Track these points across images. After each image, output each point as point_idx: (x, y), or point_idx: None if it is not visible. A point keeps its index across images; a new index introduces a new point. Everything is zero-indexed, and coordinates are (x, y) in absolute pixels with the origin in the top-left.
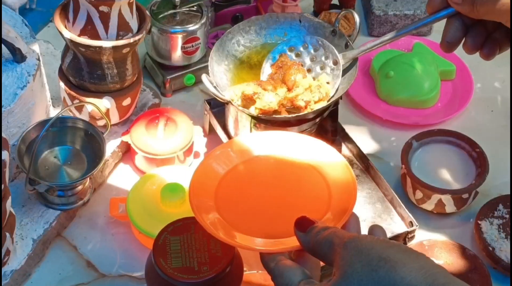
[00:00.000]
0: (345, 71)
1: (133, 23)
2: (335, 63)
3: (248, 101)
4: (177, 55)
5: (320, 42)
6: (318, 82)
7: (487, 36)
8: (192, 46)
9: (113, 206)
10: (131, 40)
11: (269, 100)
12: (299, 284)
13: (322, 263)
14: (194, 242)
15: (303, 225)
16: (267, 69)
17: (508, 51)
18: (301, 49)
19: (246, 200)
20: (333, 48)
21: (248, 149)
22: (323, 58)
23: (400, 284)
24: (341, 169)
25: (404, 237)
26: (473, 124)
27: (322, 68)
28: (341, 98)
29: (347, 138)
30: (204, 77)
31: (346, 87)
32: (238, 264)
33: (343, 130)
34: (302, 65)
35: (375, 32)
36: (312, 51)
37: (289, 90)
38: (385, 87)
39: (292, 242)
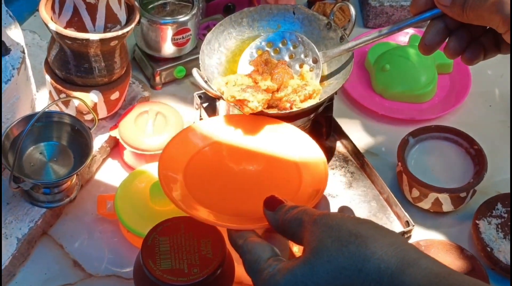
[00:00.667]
0: (341, 66)
1: (122, 15)
2: (315, 61)
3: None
4: (167, 46)
5: (299, 39)
6: (303, 81)
7: (471, 41)
8: (183, 37)
9: (101, 204)
10: (119, 32)
11: (255, 105)
12: (268, 260)
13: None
14: (184, 243)
15: (272, 204)
16: (244, 65)
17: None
18: (280, 45)
19: (216, 179)
20: (313, 46)
21: (221, 130)
22: (302, 56)
23: (371, 259)
24: (312, 152)
25: None
26: (471, 119)
27: (301, 66)
28: (336, 93)
29: (342, 134)
30: (194, 71)
31: (342, 82)
32: (229, 265)
33: (338, 126)
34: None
35: (370, 24)
36: (291, 47)
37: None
38: (380, 80)
39: (261, 220)
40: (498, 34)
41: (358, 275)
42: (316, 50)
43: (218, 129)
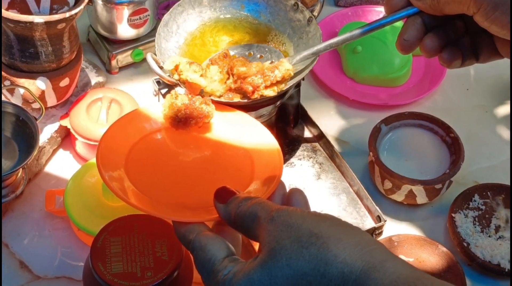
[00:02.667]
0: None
1: None
2: None
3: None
4: (123, 28)
5: (266, 49)
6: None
7: (448, 41)
8: (140, 18)
9: (49, 200)
10: (67, 14)
11: (216, 88)
12: (223, 261)
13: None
14: (137, 244)
15: (223, 196)
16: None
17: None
18: (246, 55)
19: (162, 169)
20: (280, 53)
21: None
22: (268, 63)
23: (334, 263)
24: (264, 137)
25: (371, 233)
26: (447, 103)
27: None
28: (303, 79)
29: (310, 122)
30: (148, 56)
31: (309, 67)
32: (187, 267)
33: (306, 113)
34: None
35: (341, 2)
36: (257, 57)
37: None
38: (352, 63)
39: (212, 212)
40: (476, 40)
41: (320, 280)
42: (283, 56)
43: (159, 117)
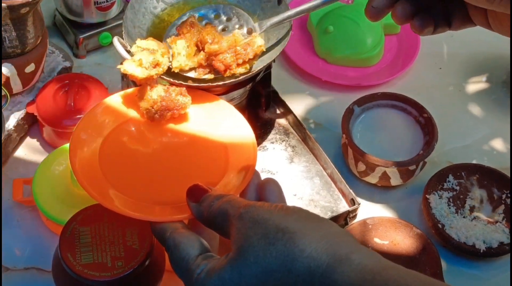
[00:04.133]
0: (279, 31)
1: None
2: (250, 32)
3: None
4: (90, 11)
5: (234, 11)
6: (245, 40)
7: (421, 9)
8: (107, 1)
9: (17, 189)
10: None
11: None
12: (196, 258)
13: None
14: (107, 233)
15: (195, 194)
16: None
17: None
18: (212, 17)
19: (134, 163)
20: (249, 17)
21: (133, 107)
22: (236, 27)
23: (300, 258)
24: (239, 127)
25: (345, 216)
26: (420, 83)
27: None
28: (274, 61)
29: (282, 105)
30: (115, 40)
31: (280, 48)
32: (158, 255)
33: (278, 96)
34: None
35: None
36: (224, 20)
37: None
38: (324, 43)
39: (185, 211)
40: (449, 7)
41: (288, 276)
42: (252, 21)
43: (135, 104)
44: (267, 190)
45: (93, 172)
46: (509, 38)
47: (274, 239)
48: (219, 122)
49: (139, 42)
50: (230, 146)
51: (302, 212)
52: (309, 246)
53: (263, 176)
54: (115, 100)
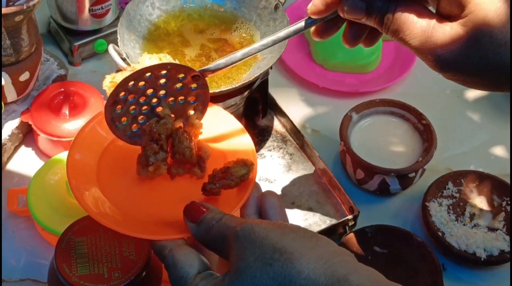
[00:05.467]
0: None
1: None
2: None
3: None
4: (85, 18)
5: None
6: None
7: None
8: (102, 8)
9: (11, 199)
10: (24, 6)
11: None
12: (195, 278)
13: None
14: (104, 243)
15: (193, 214)
16: None
17: None
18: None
19: (132, 178)
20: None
21: None
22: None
23: (297, 280)
24: (239, 137)
25: (344, 225)
26: (418, 89)
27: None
28: (271, 68)
29: (280, 112)
30: (110, 47)
31: (277, 55)
32: (155, 266)
33: (275, 102)
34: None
35: None
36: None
37: None
38: (321, 50)
39: (186, 229)
40: None
41: None
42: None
43: None
44: (267, 204)
45: (91, 190)
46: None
47: (271, 259)
48: (218, 132)
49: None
50: (229, 156)
51: (299, 231)
52: (306, 267)
53: (262, 184)
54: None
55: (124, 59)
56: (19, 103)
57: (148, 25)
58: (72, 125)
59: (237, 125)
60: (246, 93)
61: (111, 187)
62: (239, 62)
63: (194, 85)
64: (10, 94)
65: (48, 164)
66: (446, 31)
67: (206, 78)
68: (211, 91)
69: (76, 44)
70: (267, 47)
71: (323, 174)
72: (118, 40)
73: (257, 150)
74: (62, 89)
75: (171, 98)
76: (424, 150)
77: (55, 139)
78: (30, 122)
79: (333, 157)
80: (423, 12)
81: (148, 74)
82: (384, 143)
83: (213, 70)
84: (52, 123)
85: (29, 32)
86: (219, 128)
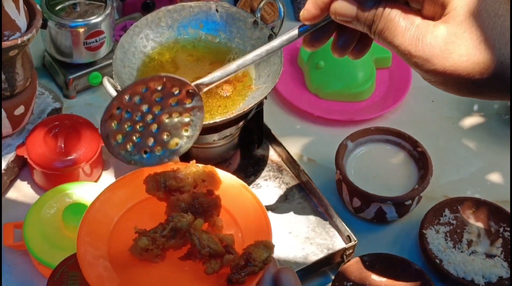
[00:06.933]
0: (269, 67)
1: (21, 21)
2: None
3: None
4: (79, 51)
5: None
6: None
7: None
8: (96, 41)
9: (7, 233)
10: (19, 41)
11: None
12: None
13: None
14: None
15: None
16: None
17: None
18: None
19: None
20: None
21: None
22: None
23: None
24: (254, 212)
25: (341, 254)
26: (413, 116)
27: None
28: (265, 98)
29: (275, 141)
30: (105, 80)
31: (271, 86)
32: None
33: (270, 132)
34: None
35: None
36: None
37: None
38: (315, 79)
39: None
40: None
41: None
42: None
43: (134, 188)
44: (283, 281)
45: (103, 267)
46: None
47: None
48: (233, 201)
49: None
50: (244, 232)
51: None
52: None
53: None
54: (118, 185)
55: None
56: (14, 137)
57: (142, 57)
58: (67, 158)
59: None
60: (241, 123)
61: (121, 260)
62: (233, 75)
63: (188, 101)
64: (5, 128)
65: (44, 198)
66: (429, 29)
67: (201, 93)
68: (206, 122)
69: (71, 77)
70: (261, 58)
71: (320, 203)
72: (113, 72)
73: (253, 180)
74: (57, 123)
75: (166, 115)
76: (420, 178)
77: (50, 172)
78: (26, 156)
79: (329, 186)
80: (408, 10)
81: (143, 88)
82: (380, 171)
83: (208, 83)
84: (47, 157)
85: (23, 66)
86: (227, 193)
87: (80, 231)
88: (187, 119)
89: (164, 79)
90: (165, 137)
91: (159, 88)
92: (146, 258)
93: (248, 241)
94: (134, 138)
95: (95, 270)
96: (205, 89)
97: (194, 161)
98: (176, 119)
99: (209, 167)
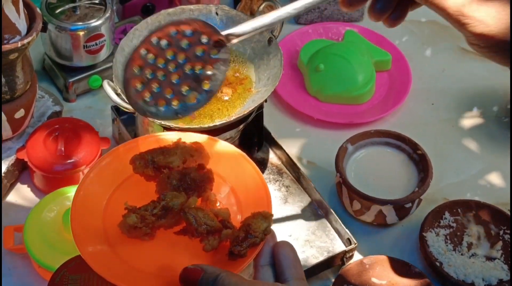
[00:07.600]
0: (269, 71)
1: (21, 24)
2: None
3: None
4: (79, 54)
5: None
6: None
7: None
8: (96, 44)
9: (7, 237)
10: (19, 44)
11: None
12: None
13: None
14: (96, 281)
15: (190, 281)
16: None
17: None
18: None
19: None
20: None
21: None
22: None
23: None
24: (253, 180)
25: (341, 257)
26: (412, 119)
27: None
28: (266, 101)
29: (275, 144)
30: (105, 83)
31: (271, 89)
32: None
33: (270, 135)
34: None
35: (302, 20)
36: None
37: None
38: (315, 82)
39: None
40: None
41: None
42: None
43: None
44: (281, 255)
45: (99, 241)
46: (498, 71)
47: None
48: (233, 173)
49: None
50: (244, 205)
51: None
52: None
53: None
54: (108, 160)
55: (118, 95)
56: (14, 140)
57: None
58: (67, 162)
59: (241, 155)
60: (241, 126)
61: (117, 236)
62: (265, 28)
63: (214, 52)
64: (5, 131)
65: (44, 201)
66: None
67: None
68: (205, 125)
69: (71, 80)
70: (299, 12)
71: (320, 206)
72: (113, 75)
73: None
74: (57, 126)
75: (189, 66)
76: (420, 180)
77: (50, 176)
78: (26, 159)
79: (329, 188)
80: None
81: (174, 31)
82: (380, 174)
83: (238, 35)
84: (47, 160)
85: (24, 69)
86: (225, 164)
87: (73, 206)
88: (209, 72)
89: (196, 24)
90: (184, 90)
91: (188, 33)
92: (135, 235)
93: (247, 211)
94: (154, 87)
95: (90, 245)
96: (234, 41)
97: (180, 138)
98: (198, 71)
99: (197, 143)
